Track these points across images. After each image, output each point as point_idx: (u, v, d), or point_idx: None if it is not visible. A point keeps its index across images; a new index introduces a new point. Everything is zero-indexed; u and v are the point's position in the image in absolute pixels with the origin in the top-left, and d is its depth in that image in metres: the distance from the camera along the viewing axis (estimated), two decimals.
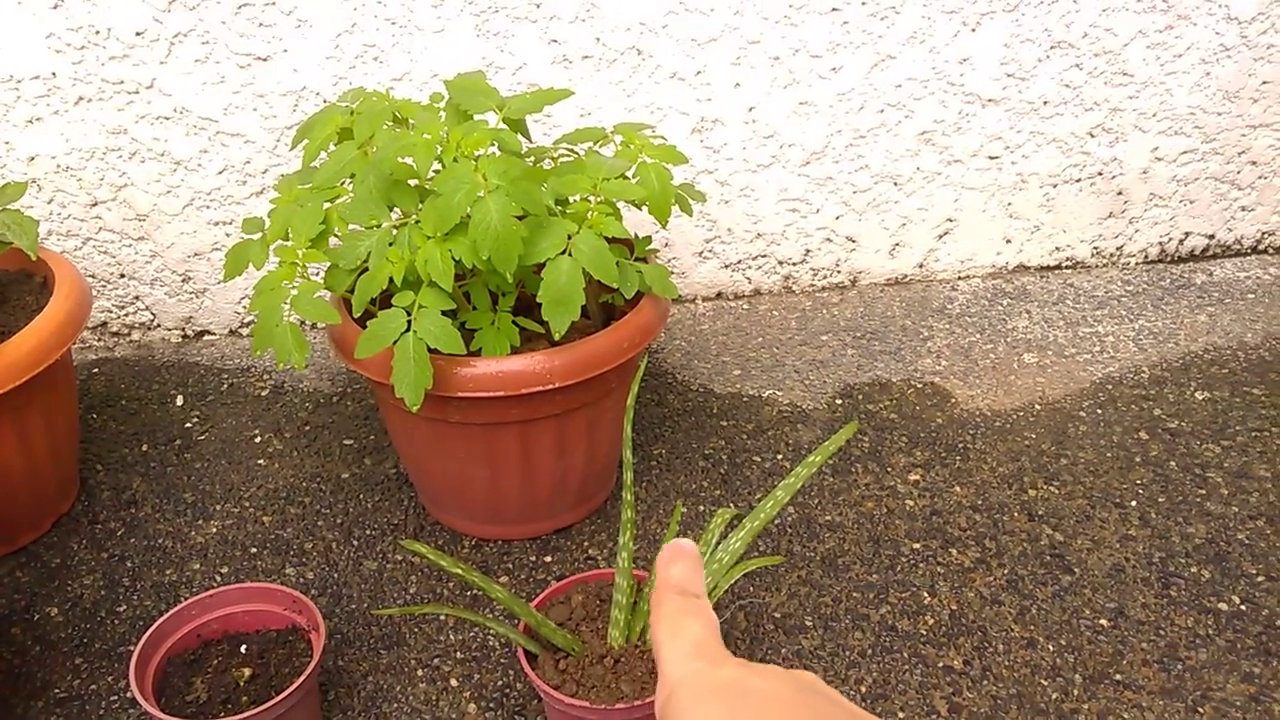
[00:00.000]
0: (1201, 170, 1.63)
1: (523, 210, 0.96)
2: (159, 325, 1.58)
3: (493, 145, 1.01)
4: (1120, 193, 1.63)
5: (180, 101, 1.39)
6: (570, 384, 1.02)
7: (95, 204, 1.46)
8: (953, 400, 1.38)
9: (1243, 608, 1.06)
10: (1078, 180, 1.61)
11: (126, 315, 1.56)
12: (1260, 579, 1.09)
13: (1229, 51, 1.53)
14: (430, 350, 0.97)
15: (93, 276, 1.52)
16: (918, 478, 1.25)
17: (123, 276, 1.53)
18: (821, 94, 1.48)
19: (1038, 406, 1.36)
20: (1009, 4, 1.44)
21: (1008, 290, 1.63)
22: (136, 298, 1.55)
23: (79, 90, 1.37)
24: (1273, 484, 1.22)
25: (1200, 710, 0.96)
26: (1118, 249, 1.68)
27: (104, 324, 1.57)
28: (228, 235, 1.50)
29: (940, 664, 1.02)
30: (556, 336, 1.00)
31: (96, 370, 1.52)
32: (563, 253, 0.99)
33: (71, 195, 1.45)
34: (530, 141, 1.15)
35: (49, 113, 1.39)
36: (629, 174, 1.07)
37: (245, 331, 1.59)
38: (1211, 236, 1.69)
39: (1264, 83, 1.56)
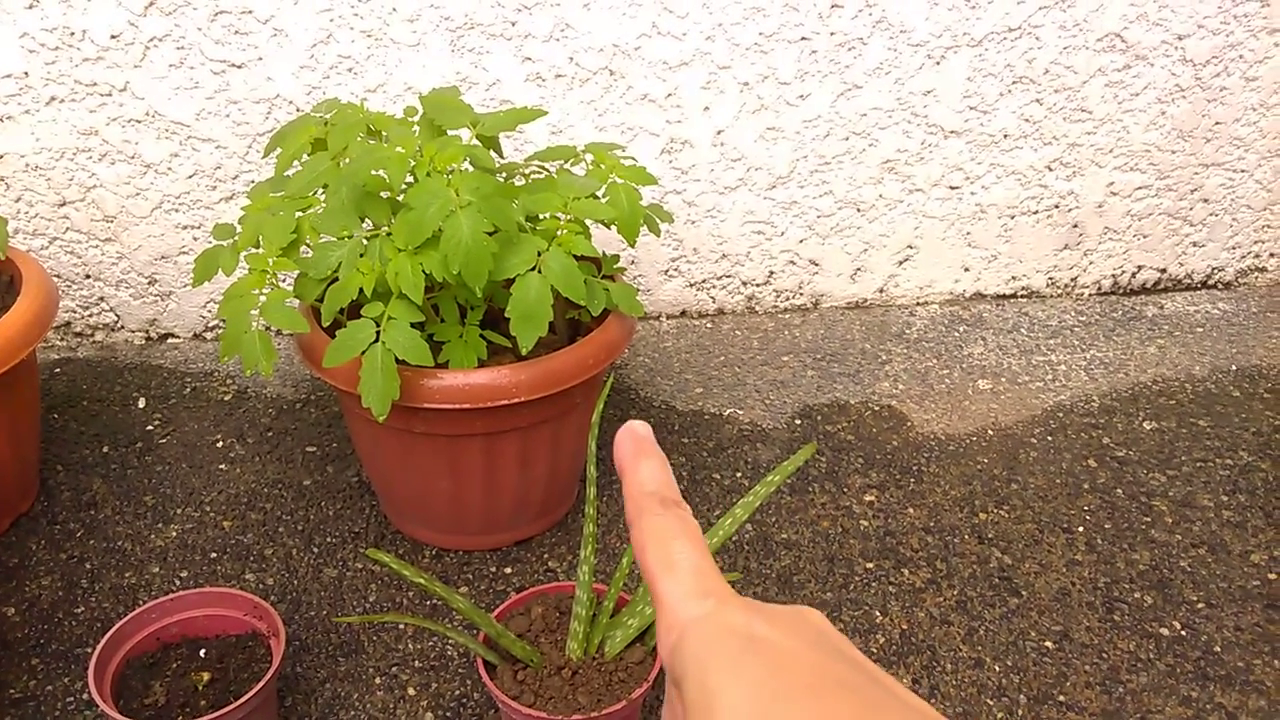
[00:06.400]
0: (1155, 206, 1.67)
1: (494, 226, 0.97)
2: (123, 327, 1.57)
3: (465, 161, 1.03)
4: (1076, 225, 1.67)
5: (153, 105, 1.39)
6: (535, 398, 1.04)
7: (63, 204, 1.46)
8: (908, 423, 1.41)
9: (1183, 633, 1.10)
10: (1035, 212, 1.65)
11: (91, 316, 1.56)
12: (1200, 606, 1.13)
13: (1184, 92, 1.57)
14: (398, 361, 0.98)
15: (58, 276, 1.51)
16: (873, 499, 1.28)
17: (88, 277, 1.52)
18: (789, 120, 1.51)
19: (990, 432, 1.40)
20: (973, 39, 1.48)
21: (965, 317, 1.67)
22: (101, 299, 1.54)
23: (51, 90, 1.37)
24: (1215, 513, 1.26)
25: None
26: (1072, 280, 1.72)
27: (67, 324, 1.56)
28: (195, 239, 1.50)
29: None
30: (524, 351, 1.02)
31: (59, 370, 1.51)
32: (532, 269, 1.00)
33: (40, 195, 1.45)
34: (502, 157, 1.16)
35: (19, 112, 1.38)
36: (599, 193, 1.09)
37: (210, 335, 1.59)
38: (1163, 270, 1.74)
39: (1216, 123, 1.61)
